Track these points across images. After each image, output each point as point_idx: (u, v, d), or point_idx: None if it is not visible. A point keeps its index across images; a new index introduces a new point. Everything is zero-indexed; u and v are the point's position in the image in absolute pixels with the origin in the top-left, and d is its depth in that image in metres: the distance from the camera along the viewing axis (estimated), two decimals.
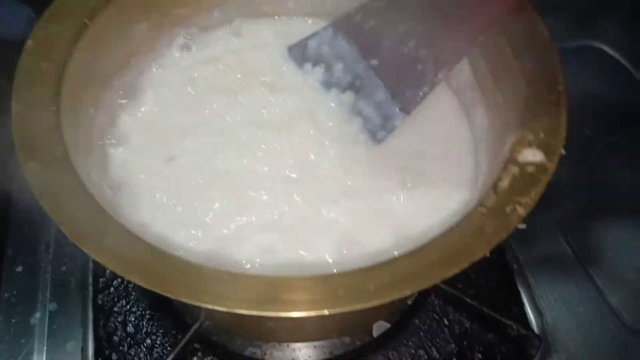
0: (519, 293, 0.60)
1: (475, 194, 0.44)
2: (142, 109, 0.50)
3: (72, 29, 0.42)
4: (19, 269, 0.58)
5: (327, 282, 0.31)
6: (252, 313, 0.29)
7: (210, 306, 0.29)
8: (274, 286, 0.31)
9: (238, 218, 0.43)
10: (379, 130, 0.49)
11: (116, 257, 0.30)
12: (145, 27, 0.49)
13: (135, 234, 0.32)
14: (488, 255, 0.31)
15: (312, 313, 0.30)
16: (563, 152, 0.36)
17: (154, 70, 0.52)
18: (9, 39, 0.68)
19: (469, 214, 0.34)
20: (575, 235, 0.61)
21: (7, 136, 0.77)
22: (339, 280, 0.31)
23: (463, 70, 0.49)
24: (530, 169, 0.35)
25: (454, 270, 0.30)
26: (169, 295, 0.29)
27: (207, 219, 0.43)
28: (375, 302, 0.30)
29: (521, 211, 0.33)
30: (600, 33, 0.74)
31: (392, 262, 0.32)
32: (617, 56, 0.73)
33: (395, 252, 0.37)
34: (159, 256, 0.31)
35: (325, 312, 0.29)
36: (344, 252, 0.42)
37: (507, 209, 0.33)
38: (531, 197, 0.33)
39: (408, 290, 0.30)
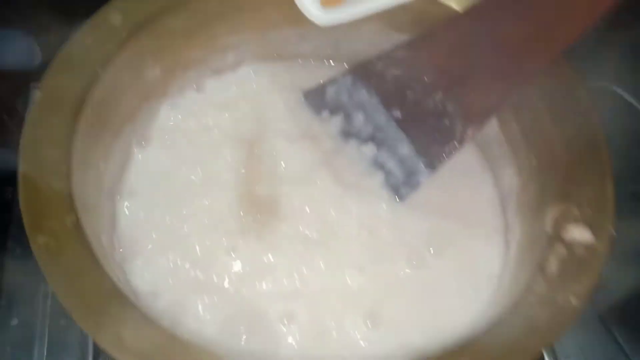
0: None
1: (508, 263, 0.42)
2: (153, 160, 0.46)
3: (83, 78, 0.39)
4: (14, 321, 0.54)
5: None
6: None
7: None
8: None
9: (257, 284, 0.41)
10: (401, 186, 0.47)
11: (138, 355, 0.27)
12: (158, 71, 0.46)
13: (156, 323, 0.29)
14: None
15: None
16: (613, 232, 0.34)
17: (166, 115, 0.49)
18: (9, 69, 0.65)
19: (518, 302, 0.31)
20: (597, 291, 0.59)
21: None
22: None
23: (490, 125, 0.47)
24: (579, 251, 0.33)
25: None
26: None
27: (224, 285, 0.40)
28: None
29: (575, 302, 0.31)
30: (616, 75, 0.73)
31: None
32: (632, 100, 0.72)
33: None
34: (186, 351, 0.28)
35: None
36: (370, 325, 0.39)
37: (560, 299, 0.31)
38: (584, 286, 0.31)
39: None
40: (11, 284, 0.55)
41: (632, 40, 0.66)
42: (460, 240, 0.45)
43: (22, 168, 0.33)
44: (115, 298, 0.30)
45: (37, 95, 0.37)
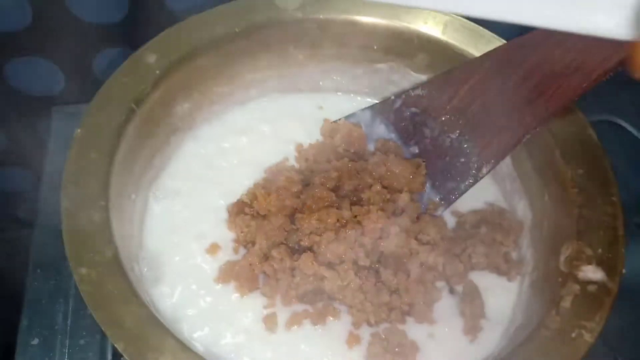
0: None
1: (521, 295, 0.43)
2: (174, 186, 0.48)
3: (120, 116, 0.41)
4: (35, 341, 0.55)
5: None
6: None
7: None
8: None
9: None
10: None
11: None
12: (186, 106, 0.48)
13: (193, 351, 0.31)
14: None
15: None
16: (624, 271, 0.35)
17: (189, 143, 0.51)
18: (35, 95, 0.68)
19: (532, 336, 0.33)
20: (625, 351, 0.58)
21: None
22: None
23: (503, 163, 0.49)
24: (591, 288, 0.35)
25: None
26: None
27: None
28: None
29: (588, 337, 0.32)
30: (619, 108, 0.74)
31: None
32: (635, 132, 0.74)
33: None
34: None
35: None
36: None
37: (573, 334, 0.32)
38: (596, 322, 0.33)
39: None
40: (32, 304, 0.57)
41: None
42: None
43: (65, 203, 0.35)
44: (153, 326, 0.32)
45: (77, 132, 0.39)
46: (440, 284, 0.44)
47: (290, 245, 0.43)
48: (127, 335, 0.31)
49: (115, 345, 0.30)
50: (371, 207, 0.44)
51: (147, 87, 0.43)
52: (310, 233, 0.43)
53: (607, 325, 0.54)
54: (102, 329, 0.30)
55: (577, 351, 0.32)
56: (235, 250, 0.44)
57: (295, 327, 0.40)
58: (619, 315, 0.55)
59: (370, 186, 0.46)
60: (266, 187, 0.45)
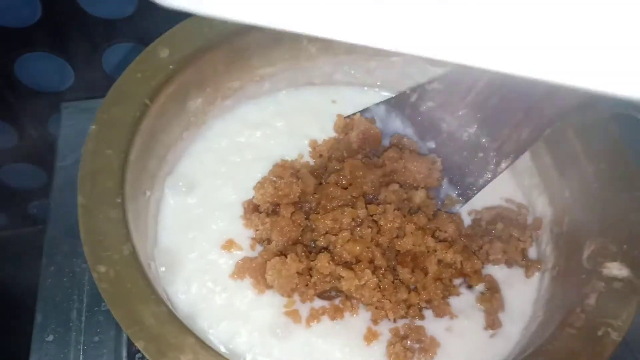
0: None
1: (541, 291, 0.43)
2: (188, 182, 0.48)
3: (133, 111, 0.40)
4: (50, 338, 0.55)
5: None
6: None
7: None
8: None
9: None
10: None
11: None
12: (199, 102, 0.48)
13: (213, 349, 0.31)
14: None
15: None
16: None
17: (202, 138, 0.50)
18: (44, 90, 0.67)
19: (557, 334, 0.33)
20: None
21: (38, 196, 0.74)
22: None
23: (521, 157, 0.48)
24: (616, 285, 0.34)
25: None
26: None
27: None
28: None
29: (615, 336, 0.31)
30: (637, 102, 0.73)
31: None
32: None
33: None
34: None
35: None
36: None
37: (599, 332, 0.32)
38: (623, 320, 0.32)
39: None
40: (46, 301, 0.57)
41: None
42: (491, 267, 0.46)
43: (81, 200, 0.35)
44: (172, 324, 0.31)
45: (91, 128, 0.38)
46: (457, 280, 0.44)
47: (306, 243, 0.43)
48: (147, 334, 0.30)
49: (136, 344, 0.30)
50: (387, 206, 0.43)
51: (161, 82, 0.42)
52: (326, 233, 0.42)
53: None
54: (122, 327, 0.30)
55: (604, 349, 0.31)
56: (252, 247, 0.43)
57: (314, 322, 0.40)
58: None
59: (387, 184, 0.45)
60: (261, 182, 0.45)
